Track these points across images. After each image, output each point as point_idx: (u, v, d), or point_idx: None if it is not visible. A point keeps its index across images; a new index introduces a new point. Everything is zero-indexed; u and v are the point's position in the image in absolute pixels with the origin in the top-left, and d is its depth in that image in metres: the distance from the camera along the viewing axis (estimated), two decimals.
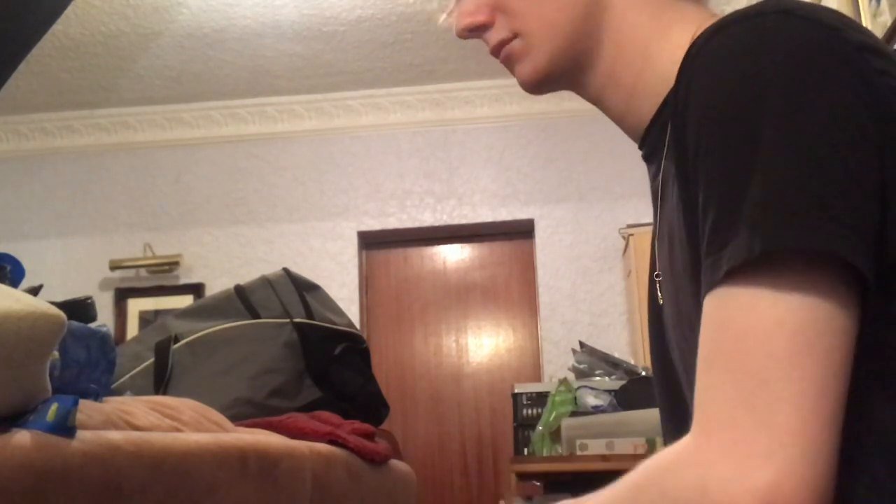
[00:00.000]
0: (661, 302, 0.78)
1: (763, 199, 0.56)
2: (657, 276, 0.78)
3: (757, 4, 0.63)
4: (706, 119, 0.61)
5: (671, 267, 0.72)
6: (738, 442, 0.54)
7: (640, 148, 0.81)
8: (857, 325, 0.56)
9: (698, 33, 0.73)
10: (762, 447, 0.53)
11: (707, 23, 0.74)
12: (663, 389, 0.83)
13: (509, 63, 0.82)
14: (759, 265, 0.55)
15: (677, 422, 0.81)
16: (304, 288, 1.93)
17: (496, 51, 0.81)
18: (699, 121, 0.61)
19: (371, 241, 4.58)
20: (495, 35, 0.80)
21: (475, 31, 0.81)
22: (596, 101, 0.82)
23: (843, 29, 0.61)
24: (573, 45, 0.78)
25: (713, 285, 0.58)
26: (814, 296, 0.55)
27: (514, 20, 0.79)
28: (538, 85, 0.81)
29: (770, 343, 0.54)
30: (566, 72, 0.80)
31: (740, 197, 0.57)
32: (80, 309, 1.18)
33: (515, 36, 0.79)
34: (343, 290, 4.32)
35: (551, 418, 2.61)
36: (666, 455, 0.60)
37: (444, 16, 0.87)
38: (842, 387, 0.54)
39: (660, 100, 0.75)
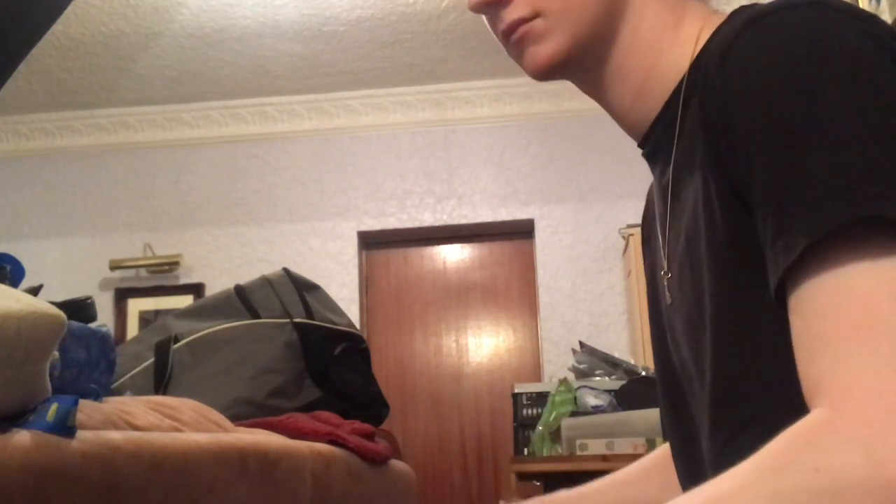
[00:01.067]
0: (668, 301, 0.77)
1: (830, 180, 0.55)
2: (666, 273, 0.77)
3: None
4: (757, 112, 0.60)
5: (690, 269, 0.71)
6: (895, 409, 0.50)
7: (642, 145, 0.80)
8: None
9: (705, 28, 0.73)
10: None
11: (712, 19, 0.74)
12: (666, 390, 0.83)
13: (523, 44, 0.77)
14: (845, 241, 0.54)
15: (678, 421, 0.80)
16: (304, 288, 1.93)
17: (511, 28, 0.77)
18: (750, 114, 0.61)
19: (371, 241, 4.58)
20: (514, 12, 0.76)
21: (492, 4, 0.77)
22: (599, 95, 0.80)
23: (874, 18, 0.62)
24: (593, 32, 0.76)
25: (799, 269, 0.56)
26: None
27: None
28: (552, 69, 0.78)
29: None
30: (580, 59, 0.78)
31: (814, 179, 0.56)
32: (80, 309, 1.18)
33: (536, 15, 0.76)
34: (343, 290, 4.32)
35: (551, 418, 2.61)
36: (799, 434, 0.54)
37: None
38: None
39: (667, 95, 0.74)
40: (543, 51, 0.76)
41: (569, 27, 0.76)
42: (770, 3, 0.64)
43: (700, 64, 0.69)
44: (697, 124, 0.67)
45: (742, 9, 0.69)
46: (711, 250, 0.66)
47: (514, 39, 0.77)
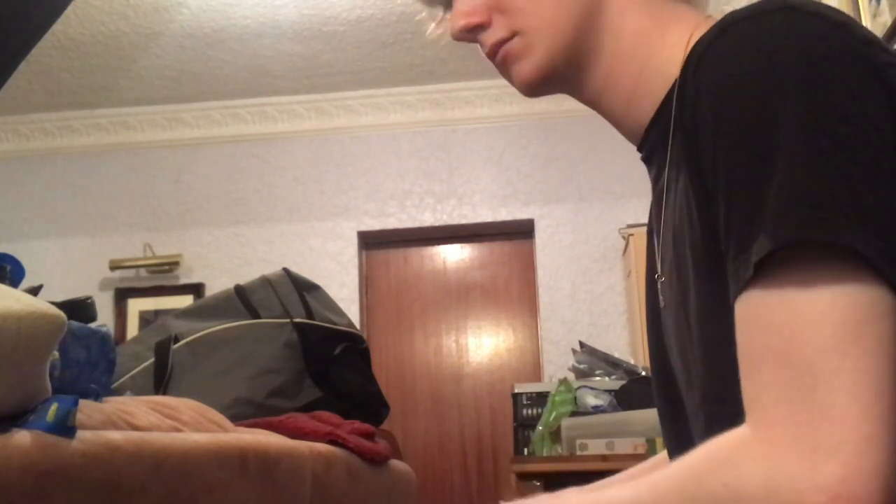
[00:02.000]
0: (662, 305, 0.77)
1: (785, 195, 0.56)
2: (659, 277, 0.78)
3: (760, 3, 0.63)
4: (721, 120, 0.61)
5: (677, 269, 0.71)
6: (801, 437, 0.53)
7: (640, 150, 0.80)
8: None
9: (695, 34, 0.73)
10: (827, 441, 0.52)
11: (703, 24, 0.74)
12: (661, 391, 0.83)
13: (507, 63, 0.80)
14: (790, 260, 0.56)
15: (675, 423, 0.81)
16: (304, 288, 1.93)
17: (493, 51, 0.80)
18: (715, 123, 0.61)
19: (371, 241, 4.58)
20: (493, 35, 0.79)
21: (472, 31, 0.80)
22: (594, 104, 0.81)
23: (849, 24, 0.62)
24: (573, 44, 0.77)
25: (745, 285, 0.58)
26: (850, 285, 0.55)
27: (512, 19, 0.78)
28: (537, 85, 0.80)
29: (817, 337, 0.54)
30: (565, 72, 0.79)
31: (763, 196, 0.57)
32: (80, 309, 1.18)
33: (514, 35, 0.78)
34: (343, 290, 4.32)
35: (551, 418, 2.61)
36: (721, 447, 0.59)
37: (433, 25, 0.87)
38: (894, 374, 0.54)
39: (659, 100, 0.74)
40: (525, 68, 0.79)
41: (546, 42, 0.77)
42: (745, 9, 0.64)
43: (684, 69, 0.69)
44: (678, 128, 0.68)
45: (740, 9, 0.69)
46: (693, 251, 0.67)
47: (498, 61, 0.80)
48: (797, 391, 0.54)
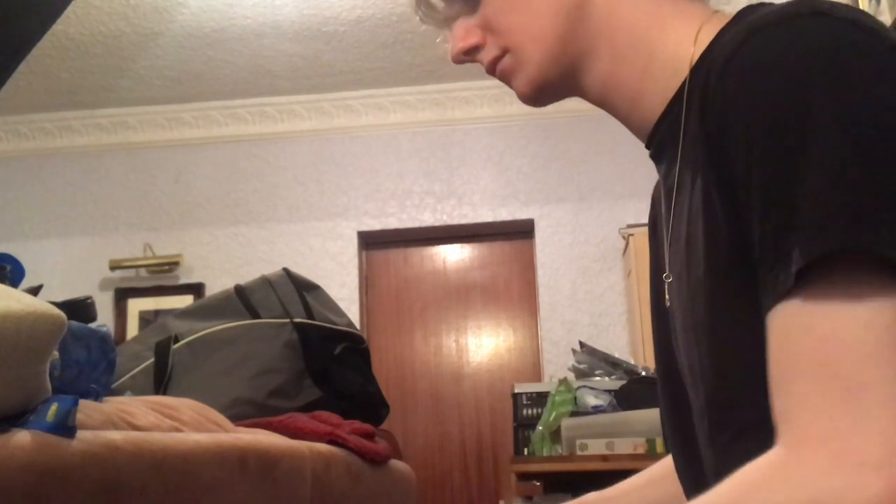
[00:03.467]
0: (668, 304, 0.77)
1: (825, 204, 0.55)
2: (667, 277, 0.77)
3: (790, 5, 0.63)
4: (754, 129, 0.60)
5: (687, 270, 0.70)
6: (844, 452, 0.52)
7: (648, 146, 0.80)
8: None
9: (704, 30, 0.72)
10: (872, 455, 0.51)
11: (712, 20, 0.73)
12: (666, 392, 0.83)
13: (505, 80, 0.82)
14: (830, 271, 0.55)
15: (679, 422, 0.80)
16: (304, 288, 1.93)
17: (491, 69, 0.83)
18: (746, 131, 0.60)
19: (371, 241, 4.58)
20: (487, 54, 0.82)
21: (469, 53, 0.83)
22: (601, 103, 0.81)
23: (878, 30, 0.61)
24: (563, 52, 0.78)
25: (782, 296, 0.57)
26: (890, 296, 0.54)
27: (501, 38, 0.80)
28: (536, 96, 0.82)
29: (860, 348, 0.53)
30: (562, 79, 0.80)
31: (801, 206, 0.56)
32: (80, 309, 1.18)
33: (504, 53, 0.80)
34: (343, 290, 4.32)
35: (551, 418, 2.61)
36: (757, 471, 0.56)
37: (438, 39, 0.89)
38: None
39: (667, 95, 0.74)
40: (520, 83, 0.81)
41: (534, 57, 0.78)
42: (773, 12, 0.63)
43: (703, 67, 0.68)
44: (698, 131, 0.67)
45: (747, 10, 0.68)
46: (711, 257, 0.66)
47: (497, 77, 0.83)
48: (839, 404, 0.53)
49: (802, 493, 0.52)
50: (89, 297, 1.27)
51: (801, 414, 0.55)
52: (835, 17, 0.61)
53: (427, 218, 4.48)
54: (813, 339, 0.55)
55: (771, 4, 0.65)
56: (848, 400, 0.53)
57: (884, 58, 0.59)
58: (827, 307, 0.55)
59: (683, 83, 0.71)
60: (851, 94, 0.57)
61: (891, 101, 0.58)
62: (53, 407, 0.75)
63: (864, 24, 0.61)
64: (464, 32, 0.82)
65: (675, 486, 0.86)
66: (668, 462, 0.98)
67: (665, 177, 0.78)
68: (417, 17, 0.88)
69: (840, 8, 0.62)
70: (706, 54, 0.69)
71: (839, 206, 0.55)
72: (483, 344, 4.47)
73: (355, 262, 4.47)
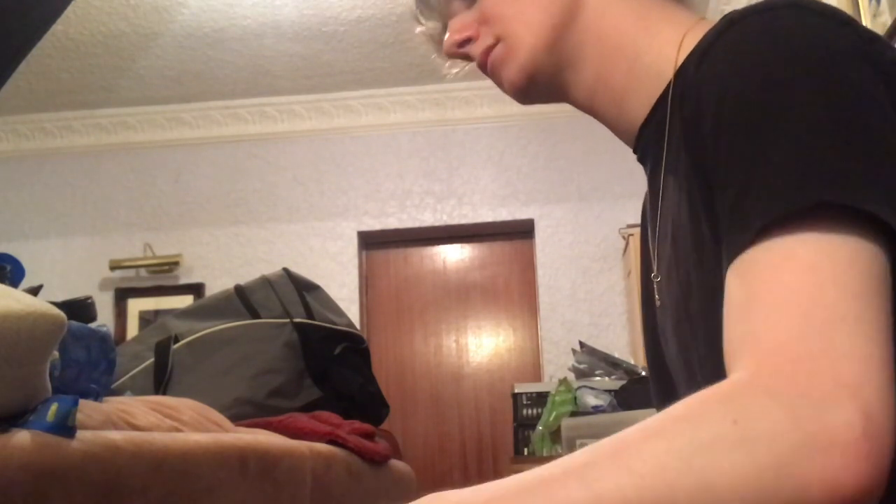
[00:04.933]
0: (658, 303, 0.77)
1: (797, 163, 0.56)
2: (655, 277, 0.78)
3: (766, 0, 0.64)
4: (726, 104, 0.61)
5: (676, 267, 0.71)
6: (821, 372, 0.50)
7: (635, 150, 0.81)
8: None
9: (689, 35, 0.73)
10: (848, 380, 0.50)
11: (697, 26, 0.74)
12: (658, 390, 0.84)
13: (495, 69, 0.83)
14: (803, 224, 0.55)
15: None
16: (304, 288, 1.93)
17: (482, 60, 0.83)
18: (718, 108, 0.62)
19: (371, 241, 4.58)
20: (480, 44, 0.83)
21: (462, 45, 0.84)
22: (588, 108, 0.83)
23: (853, 23, 0.63)
24: (555, 44, 0.79)
25: (754, 239, 0.56)
26: (872, 244, 0.54)
27: (496, 26, 0.81)
28: (525, 87, 0.82)
29: (842, 282, 0.53)
30: (551, 72, 0.80)
31: (763, 171, 0.57)
32: (80, 309, 1.18)
33: (498, 41, 0.81)
34: (343, 290, 4.32)
35: (551, 418, 2.61)
36: (718, 389, 0.52)
37: (430, 45, 0.90)
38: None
39: (652, 98, 0.75)
40: (509, 71, 0.81)
41: (527, 44, 0.79)
42: (751, 6, 0.65)
43: (684, 71, 0.70)
44: (679, 128, 0.68)
45: (744, 8, 0.69)
46: (697, 246, 0.67)
47: (488, 69, 0.83)
48: (816, 330, 0.52)
49: (779, 406, 0.49)
50: (89, 297, 1.27)
51: (772, 335, 0.53)
52: (811, 9, 0.62)
53: (427, 218, 4.48)
54: (792, 266, 0.54)
55: (747, 7, 0.66)
56: (825, 326, 0.52)
57: (855, 47, 0.61)
58: (807, 241, 0.54)
59: (668, 86, 0.72)
60: (822, 70, 0.59)
61: (863, 85, 0.59)
62: (53, 407, 0.75)
63: (839, 17, 0.63)
64: (460, 26, 0.84)
65: None
66: None
67: (651, 179, 0.79)
68: (416, 19, 0.88)
69: (816, 3, 0.64)
70: (692, 52, 0.70)
71: (813, 164, 0.56)
72: (483, 344, 4.47)
73: (355, 262, 4.47)
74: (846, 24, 0.62)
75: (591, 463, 0.51)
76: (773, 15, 0.63)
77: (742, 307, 0.56)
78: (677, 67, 0.72)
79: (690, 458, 0.49)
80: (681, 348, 0.73)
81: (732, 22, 0.65)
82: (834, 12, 0.63)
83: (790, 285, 0.54)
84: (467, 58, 0.85)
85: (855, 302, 0.53)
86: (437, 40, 0.88)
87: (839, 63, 0.59)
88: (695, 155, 0.65)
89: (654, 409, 0.87)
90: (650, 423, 0.52)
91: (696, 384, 0.71)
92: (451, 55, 0.85)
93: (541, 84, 0.82)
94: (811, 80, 0.58)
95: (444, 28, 0.86)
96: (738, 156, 0.59)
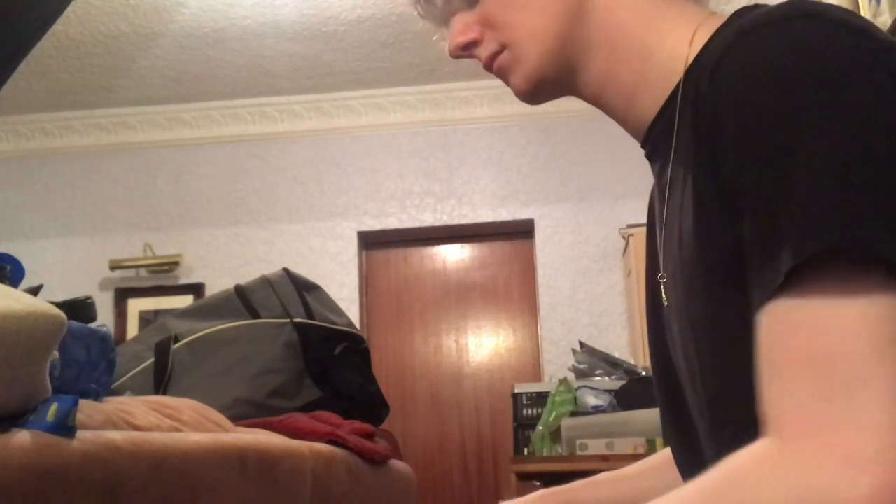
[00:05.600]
0: (665, 303, 0.77)
1: (815, 203, 0.55)
2: (661, 277, 0.77)
3: (782, 8, 0.63)
4: (746, 129, 0.60)
5: (681, 269, 0.71)
6: (837, 445, 0.51)
7: (643, 146, 0.81)
8: None
9: (700, 31, 0.72)
10: (866, 449, 0.51)
11: (708, 21, 0.73)
12: (663, 390, 0.83)
13: (502, 75, 0.83)
14: (821, 269, 0.55)
15: (678, 420, 0.80)
16: (304, 288, 1.93)
17: (488, 65, 0.83)
18: (738, 132, 0.61)
19: (371, 241, 4.58)
20: (485, 50, 0.82)
21: (466, 48, 0.83)
22: (596, 102, 0.82)
23: (869, 30, 0.61)
24: (561, 50, 0.78)
25: (773, 293, 0.57)
26: (884, 294, 0.54)
27: (500, 33, 0.80)
28: (532, 93, 0.82)
29: (853, 345, 0.53)
30: (559, 77, 0.80)
31: (790, 204, 0.56)
32: (80, 309, 1.18)
33: (503, 48, 0.80)
34: (343, 290, 4.32)
35: (551, 418, 2.61)
36: (745, 461, 0.56)
37: (435, 37, 0.89)
38: None
39: (663, 96, 0.74)
40: (517, 79, 0.81)
41: (533, 53, 0.79)
42: (764, 14, 0.63)
43: (697, 69, 0.69)
44: (690, 133, 0.68)
45: (742, 11, 0.69)
46: (703, 256, 0.66)
47: (495, 73, 0.83)
48: (831, 399, 0.53)
49: (796, 484, 0.52)
50: (89, 297, 1.27)
51: (793, 407, 0.54)
52: (825, 18, 0.61)
53: (427, 218, 4.48)
54: (806, 334, 0.55)
55: (765, 6, 0.65)
56: (841, 395, 0.52)
57: (873, 58, 0.59)
58: (820, 303, 0.55)
59: (678, 84, 0.72)
60: (840, 96, 0.58)
61: (879, 102, 0.58)
62: (53, 407, 0.75)
63: (854, 26, 0.61)
64: (462, 27, 0.82)
65: (668, 480, 0.87)
66: (660, 458, 0.98)
67: (659, 176, 0.79)
68: (416, 13, 0.87)
69: (831, 10, 0.62)
70: (700, 56, 0.70)
71: (830, 205, 0.55)
72: (483, 344, 4.47)
73: (355, 262, 4.47)
74: (861, 32, 0.61)
75: None
76: (785, 28, 0.61)
77: (767, 371, 0.57)
78: (688, 66, 0.71)
79: None
80: (684, 349, 0.73)
81: (744, 34, 0.63)
82: (848, 20, 0.61)
83: (806, 354, 0.54)
84: (470, 57, 0.84)
85: (874, 363, 0.53)
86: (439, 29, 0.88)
87: (855, 83, 0.58)
88: (712, 174, 0.64)
89: (656, 410, 0.87)
90: (685, 495, 0.57)
91: (697, 389, 0.71)
92: (455, 56, 0.85)
93: (548, 87, 0.82)
94: (828, 109, 0.57)
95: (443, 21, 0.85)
96: (762, 192, 0.59)
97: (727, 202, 0.62)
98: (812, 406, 0.53)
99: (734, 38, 0.64)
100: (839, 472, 0.51)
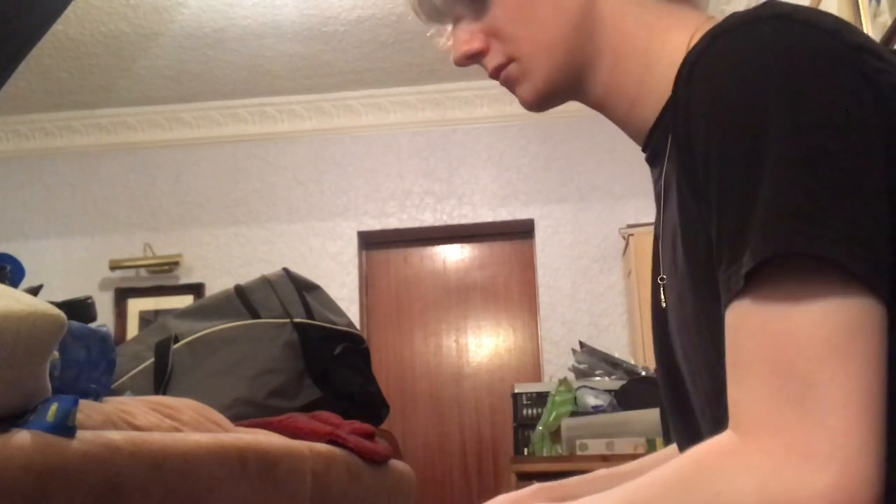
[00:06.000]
0: (664, 305, 0.78)
1: (773, 206, 0.56)
2: (661, 279, 0.78)
3: (753, 10, 0.63)
4: (712, 131, 0.61)
5: (674, 270, 0.72)
6: (795, 445, 0.54)
7: (644, 150, 0.81)
8: (885, 320, 0.56)
9: (695, 36, 0.73)
10: (820, 448, 0.53)
11: (704, 25, 0.74)
12: (668, 391, 0.84)
13: (508, 87, 0.83)
14: (780, 272, 0.56)
15: (683, 422, 0.81)
16: (304, 288, 1.93)
17: (495, 75, 0.83)
18: (706, 133, 0.61)
19: (371, 241, 4.58)
20: (491, 61, 0.82)
21: (472, 58, 0.83)
22: (599, 108, 0.83)
23: (841, 31, 0.61)
24: (569, 62, 0.79)
25: (735, 295, 0.58)
26: (839, 297, 0.55)
27: (507, 45, 0.80)
28: (540, 105, 0.83)
29: (809, 346, 0.55)
30: (567, 87, 0.81)
31: (752, 206, 0.57)
32: (80, 309, 1.18)
33: (511, 60, 0.80)
34: (343, 290, 4.32)
35: (551, 418, 2.61)
36: (709, 455, 0.59)
37: (443, 40, 0.89)
38: (883, 384, 0.55)
39: (661, 103, 0.75)
40: (524, 92, 0.81)
41: (542, 66, 0.79)
42: (736, 16, 0.64)
43: (677, 80, 0.70)
44: (673, 142, 0.68)
45: (731, 16, 0.69)
46: (689, 257, 0.67)
47: (501, 83, 0.83)
48: (789, 400, 0.55)
49: (753, 482, 0.54)
50: (89, 297, 1.27)
51: (753, 406, 0.56)
52: (796, 19, 0.61)
53: (427, 218, 4.48)
54: (764, 337, 0.56)
55: (731, 18, 0.66)
56: (798, 397, 0.54)
57: (843, 59, 0.59)
58: (777, 307, 0.56)
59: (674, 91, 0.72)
60: (807, 98, 0.58)
61: (846, 104, 0.58)
62: (53, 407, 0.75)
63: (826, 26, 0.61)
64: (468, 37, 0.82)
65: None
66: (661, 456, 0.98)
67: (656, 181, 0.79)
68: (413, 11, 0.87)
69: (803, 11, 0.62)
70: (682, 63, 0.70)
71: (789, 208, 0.56)
72: (483, 344, 4.47)
73: (355, 262, 4.47)
74: (833, 33, 0.61)
75: None
76: (755, 29, 0.61)
77: (731, 370, 0.60)
78: (676, 75, 0.72)
79: None
80: (684, 350, 0.74)
81: (715, 37, 0.64)
82: (820, 21, 0.61)
83: (765, 356, 0.56)
84: (476, 63, 0.85)
85: (829, 365, 0.54)
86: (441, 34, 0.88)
87: (822, 84, 0.58)
88: (688, 176, 0.65)
89: (656, 410, 0.87)
90: (650, 482, 0.61)
91: (698, 387, 0.72)
92: (460, 65, 0.85)
93: (555, 98, 0.82)
94: (791, 111, 0.58)
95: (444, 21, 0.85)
96: (725, 193, 0.60)
97: (701, 204, 0.63)
98: (770, 406, 0.55)
99: (707, 41, 0.64)
100: (797, 471, 0.53)
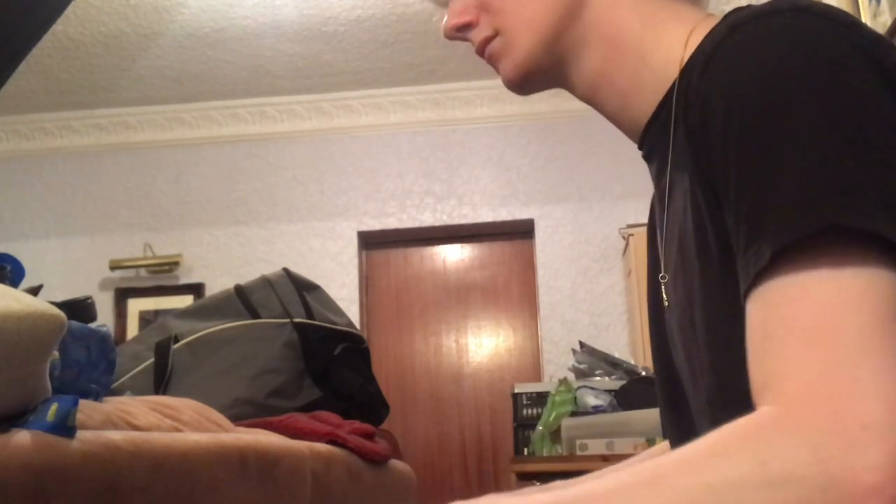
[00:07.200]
0: (666, 304, 0.77)
1: (806, 183, 0.56)
2: (662, 277, 0.78)
3: (770, 3, 0.64)
4: (732, 118, 0.60)
5: (683, 271, 0.71)
6: (846, 413, 0.50)
7: (640, 147, 0.81)
8: None
9: (695, 32, 0.73)
10: (875, 419, 0.50)
11: (703, 23, 0.74)
12: (665, 391, 0.83)
13: (492, 62, 0.82)
14: (813, 248, 0.55)
15: (679, 421, 0.81)
16: (304, 288, 1.93)
17: (480, 49, 0.82)
18: (725, 122, 0.61)
19: (371, 241, 4.58)
20: (479, 34, 0.82)
21: (461, 30, 0.83)
22: (589, 100, 0.82)
23: (858, 24, 0.62)
24: (555, 41, 0.78)
25: (766, 274, 0.56)
26: (884, 269, 0.54)
27: (495, 18, 0.80)
28: (520, 83, 0.82)
29: (859, 314, 0.53)
30: (550, 69, 0.80)
31: (777, 188, 0.57)
32: (80, 309, 1.18)
33: (496, 34, 0.80)
34: (343, 290, 4.32)
35: (551, 418, 2.61)
36: (746, 427, 0.53)
37: (442, 18, 0.89)
38: None
39: (658, 97, 0.74)
40: (506, 67, 0.81)
41: (525, 40, 0.79)
42: (754, 9, 0.64)
43: (688, 68, 0.70)
44: (683, 131, 0.68)
45: (734, 11, 0.69)
46: (702, 254, 0.67)
47: (486, 59, 0.83)
48: (838, 367, 0.52)
49: (804, 448, 0.50)
50: (89, 297, 1.27)
51: (795, 376, 0.53)
52: (813, 12, 0.62)
53: (427, 218, 4.48)
54: (808, 304, 0.54)
55: (750, 9, 0.66)
56: (847, 365, 0.52)
57: (861, 50, 0.60)
58: (820, 277, 0.54)
59: (673, 85, 0.72)
60: (828, 83, 0.58)
61: (868, 90, 0.58)
62: (53, 407, 0.75)
63: (843, 20, 0.62)
64: (461, 8, 0.83)
65: None
66: (656, 452, 0.98)
67: (657, 178, 0.79)
68: None
69: (820, 5, 0.63)
70: (694, 56, 0.70)
71: (824, 185, 0.55)
72: (483, 344, 4.47)
73: (355, 262, 4.47)
74: (850, 26, 0.61)
75: (623, 490, 0.54)
76: (775, 20, 0.62)
77: (764, 343, 0.56)
78: (682, 67, 0.71)
79: (720, 494, 0.51)
80: (685, 350, 0.73)
81: (734, 28, 0.64)
82: (837, 14, 0.62)
83: (809, 323, 0.54)
84: (465, 39, 0.84)
85: (878, 335, 0.52)
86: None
87: (844, 70, 0.59)
88: (702, 166, 0.64)
89: (656, 410, 0.87)
90: (685, 454, 0.55)
91: (701, 391, 0.71)
92: (449, 37, 0.85)
93: (538, 78, 0.82)
94: (816, 98, 0.58)
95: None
96: (748, 173, 0.59)
97: (717, 195, 0.63)
98: (819, 374, 0.52)
99: (725, 32, 0.64)
100: (850, 439, 0.50)
